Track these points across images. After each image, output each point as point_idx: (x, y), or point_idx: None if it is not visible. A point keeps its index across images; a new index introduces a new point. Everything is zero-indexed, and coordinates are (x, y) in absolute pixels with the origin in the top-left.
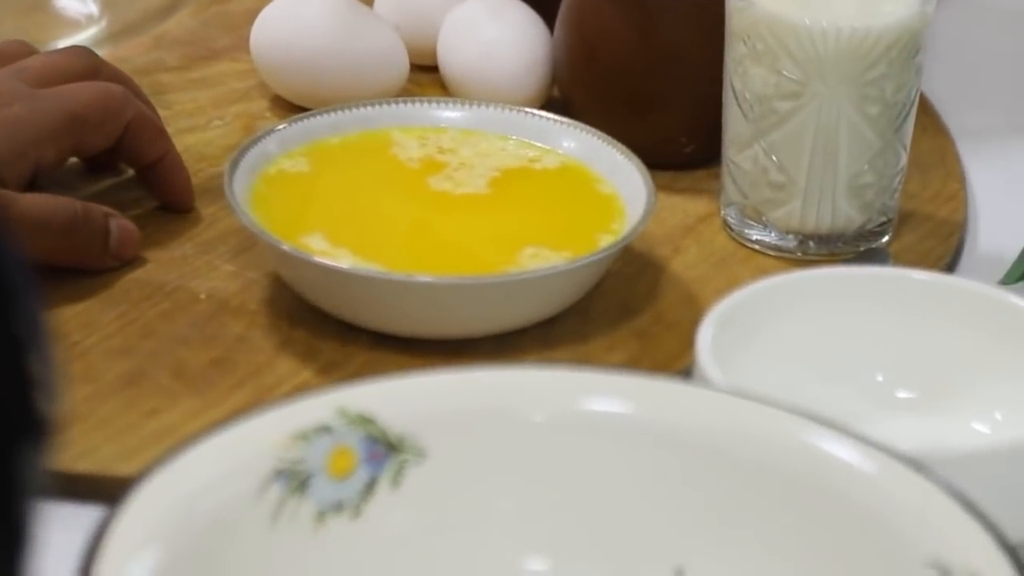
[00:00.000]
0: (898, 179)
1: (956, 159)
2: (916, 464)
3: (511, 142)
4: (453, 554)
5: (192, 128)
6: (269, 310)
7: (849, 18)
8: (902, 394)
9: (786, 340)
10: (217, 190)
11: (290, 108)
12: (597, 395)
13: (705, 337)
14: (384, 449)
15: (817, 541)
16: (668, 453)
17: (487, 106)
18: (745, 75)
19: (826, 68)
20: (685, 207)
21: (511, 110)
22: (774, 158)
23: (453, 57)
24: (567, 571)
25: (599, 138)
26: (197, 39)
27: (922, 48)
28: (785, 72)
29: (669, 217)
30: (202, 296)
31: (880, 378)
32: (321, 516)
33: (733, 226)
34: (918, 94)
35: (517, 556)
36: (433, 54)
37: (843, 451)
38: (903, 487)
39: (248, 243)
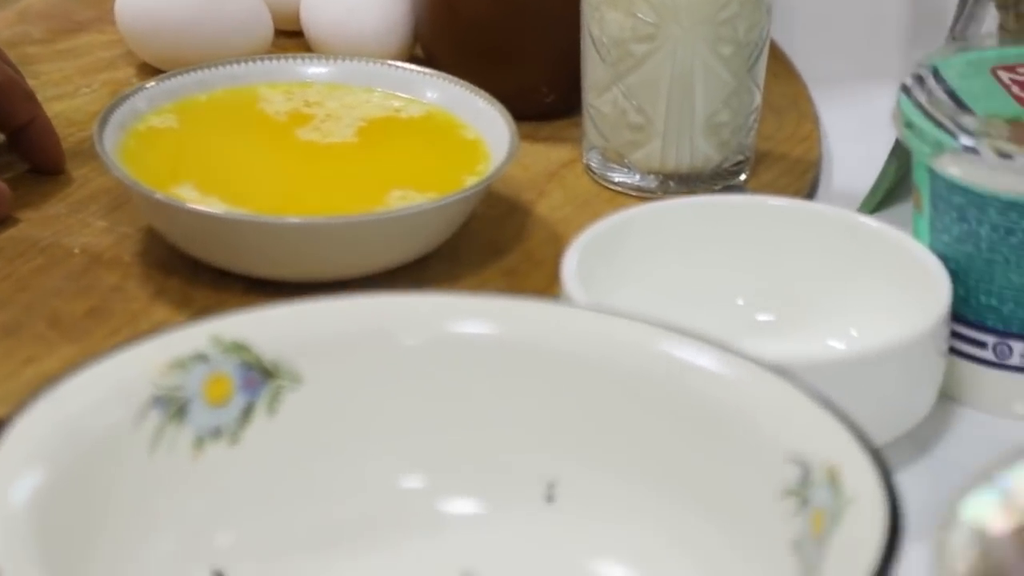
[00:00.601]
0: (753, 118)
1: (809, 102)
2: (776, 368)
3: (376, 94)
4: (331, 476)
5: (60, 96)
6: (143, 261)
7: None
8: (762, 317)
9: (649, 268)
10: (88, 153)
11: (157, 75)
12: (465, 318)
13: (570, 263)
14: (259, 375)
15: (684, 445)
16: (535, 370)
17: (351, 60)
18: (602, 20)
19: (680, 9)
20: (549, 154)
21: (375, 63)
22: (632, 101)
23: (316, 18)
24: (442, 487)
25: (462, 87)
26: (60, 12)
27: None
28: (640, 15)
29: (533, 164)
30: (76, 251)
31: (741, 302)
32: (200, 442)
33: (595, 169)
34: (768, 34)
35: (393, 475)
36: (296, 18)
37: (704, 358)
38: (764, 389)
39: (120, 200)
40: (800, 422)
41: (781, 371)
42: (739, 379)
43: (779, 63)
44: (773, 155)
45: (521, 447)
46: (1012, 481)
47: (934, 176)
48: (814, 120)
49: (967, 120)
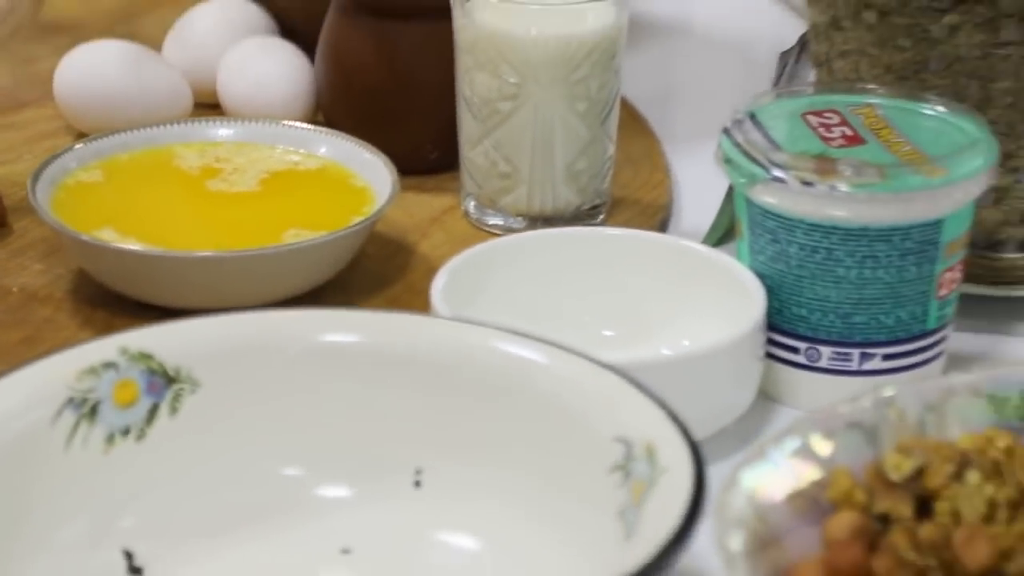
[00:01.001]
0: (607, 166)
1: (661, 155)
2: (603, 363)
3: (278, 150)
4: (224, 467)
5: (4, 162)
6: (73, 297)
7: (556, 27)
8: (607, 332)
9: (509, 290)
10: (27, 209)
11: None
12: (336, 329)
13: (438, 283)
14: (162, 381)
15: (527, 431)
16: (399, 371)
17: (256, 122)
18: (472, 82)
19: (539, 71)
20: (432, 202)
21: (277, 124)
22: (501, 152)
23: (230, 91)
24: (321, 476)
25: (352, 142)
26: (7, 94)
27: (619, 52)
28: (504, 76)
29: (418, 211)
30: (14, 289)
31: (588, 319)
32: (110, 439)
33: (472, 214)
34: (618, 92)
35: (277, 466)
36: (214, 92)
37: (542, 355)
38: (593, 381)
39: (55, 246)
40: (624, 407)
41: (606, 364)
42: (572, 372)
43: (635, 121)
44: (628, 200)
45: (390, 440)
46: (785, 454)
47: (750, 204)
48: (665, 170)
49: (777, 156)
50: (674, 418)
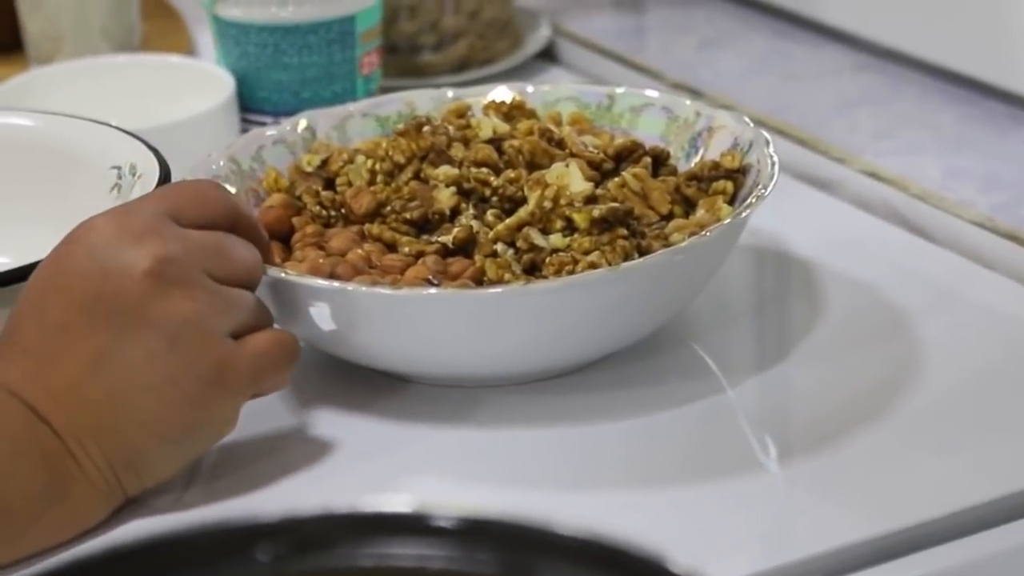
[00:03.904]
0: (134, 27)
1: (182, 22)
2: (96, 120)
3: None
4: None
5: None
6: None
7: None
8: None
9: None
10: None
11: None
12: None
13: None
14: None
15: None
16: None
17: None
18: None
19: None
20: (4, 72)
21: None
22: (50, 22)
23: None
24: None
25: None
26: None
27: None
28: None
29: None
30: None
31: None
32: None
33: None
34: None
35: None
36: None
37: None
38: (89, 133)
39: None
40: (114, 146)
41: (101, 122)
42: (70, 131)
43: (158, 3)
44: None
45: None
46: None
47: (218, 20)
48: (186, 33)
49: None
50: (149, 147)
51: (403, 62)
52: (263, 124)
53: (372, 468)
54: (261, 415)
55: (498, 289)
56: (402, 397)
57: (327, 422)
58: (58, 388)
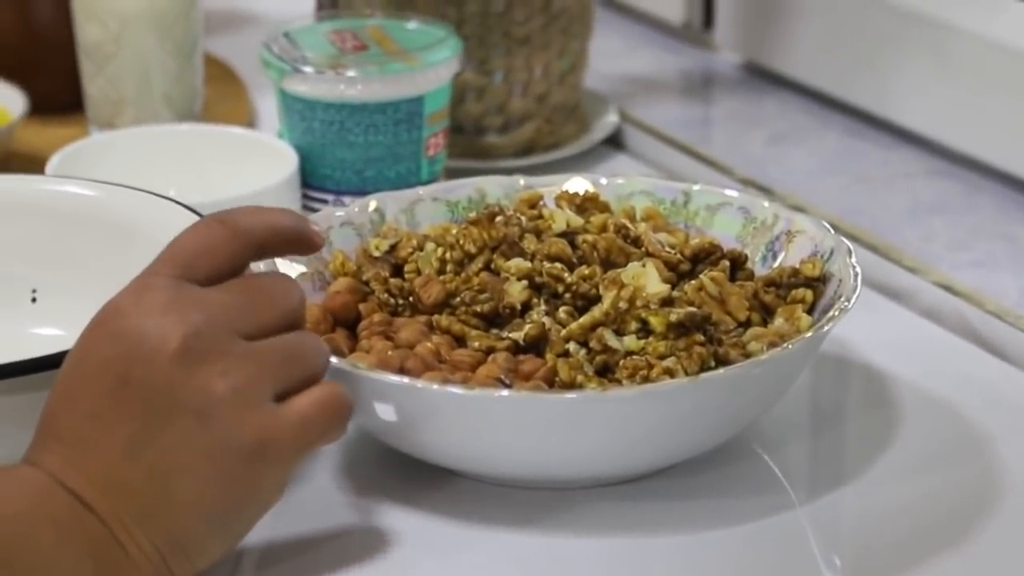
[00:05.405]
0: (196, 94)
1: (243, 88)
2: (159, 195)
3: None
4: None
5: None
6: None
7: None
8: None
9: (108, 172)
10: None
11: None
12: None
13: (53, 161)
14: None
15: (102, 253)
16: (18, 217)
17: None
18: (83, 30)
19: (132, 19)
20: (64, 133)
21: None
22: (112, 85)
23: None
24: None
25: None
26: None
27: (197, 4)
28: (106, 23)
29: (54, 138)
30: None
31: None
32: None
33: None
34: (201, 34)
35: None
36: None
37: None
38: (152, 208)
39: None
40: (177, 224)
41: (165, 197)
42: (131, 203)
43: (220, 67)
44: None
45: (7, 266)
46: None
47: (284, 94)
48: (246, 99)
49: (300, 55)
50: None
51: (468, 143)
52: (324, 202)
53: (425, 569)
54: (314, 503)
55: (574, 395)
56: (456, 492)
57: (380, 514)
58: (97, 475)
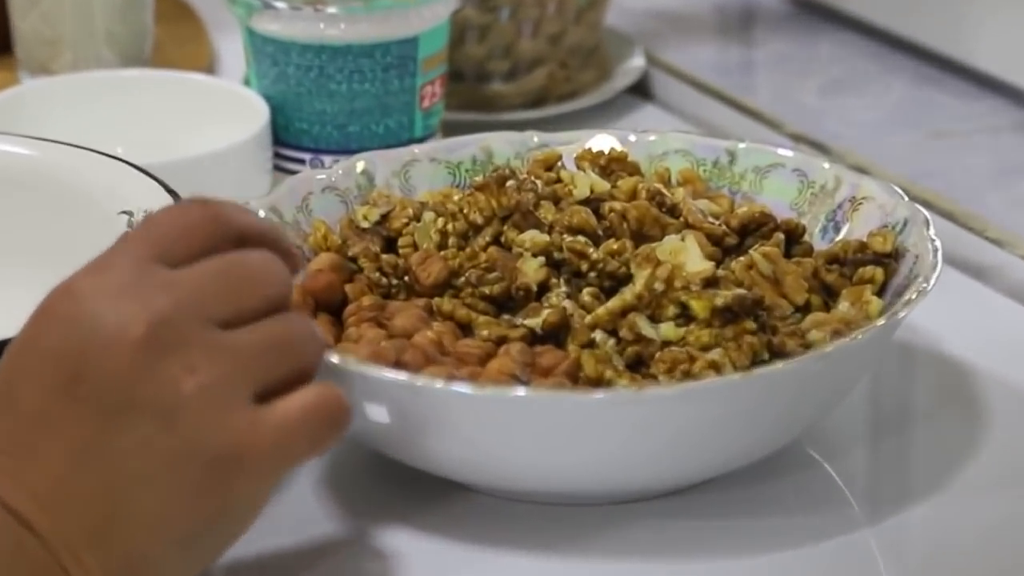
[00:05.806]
0: (146, 32)
1: (202, 30)
2: (105, 153)
3: None
4: None
5: None
6: None
7: None
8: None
9: (47, 126)
10: None
11: None
12: None
13: None
14: None
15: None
16: None
17: None
18: None
19: None
20: None
21: None
22: (46, 21)
23: None
24: None
25: None
26: None
27: None
28: None
29: None
30: None
31: (120, 150)
32: None
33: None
34: None
35: None
36: None
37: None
38: (96, 168)
39: None
40: (125, 185)
41: (109, 155)
42: (72, 162)
43: (175, 3)
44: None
45: None
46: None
47: (252, 34)
48: (206, 43)
49: None
50: (167, 189)
51: (468, 92)
52: (302, 162)
53: None
54: (302, 519)
55: (601, 394)
56: (462, 509)
57: (369, 534)
58: (40, 488)
